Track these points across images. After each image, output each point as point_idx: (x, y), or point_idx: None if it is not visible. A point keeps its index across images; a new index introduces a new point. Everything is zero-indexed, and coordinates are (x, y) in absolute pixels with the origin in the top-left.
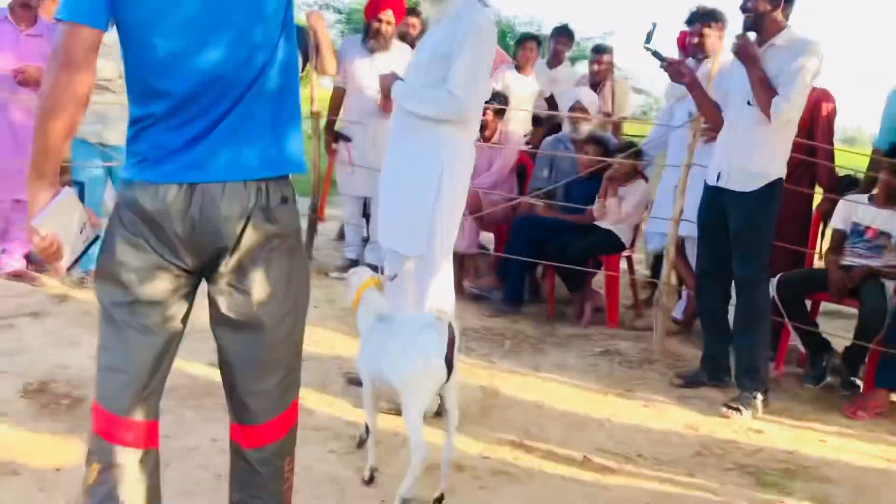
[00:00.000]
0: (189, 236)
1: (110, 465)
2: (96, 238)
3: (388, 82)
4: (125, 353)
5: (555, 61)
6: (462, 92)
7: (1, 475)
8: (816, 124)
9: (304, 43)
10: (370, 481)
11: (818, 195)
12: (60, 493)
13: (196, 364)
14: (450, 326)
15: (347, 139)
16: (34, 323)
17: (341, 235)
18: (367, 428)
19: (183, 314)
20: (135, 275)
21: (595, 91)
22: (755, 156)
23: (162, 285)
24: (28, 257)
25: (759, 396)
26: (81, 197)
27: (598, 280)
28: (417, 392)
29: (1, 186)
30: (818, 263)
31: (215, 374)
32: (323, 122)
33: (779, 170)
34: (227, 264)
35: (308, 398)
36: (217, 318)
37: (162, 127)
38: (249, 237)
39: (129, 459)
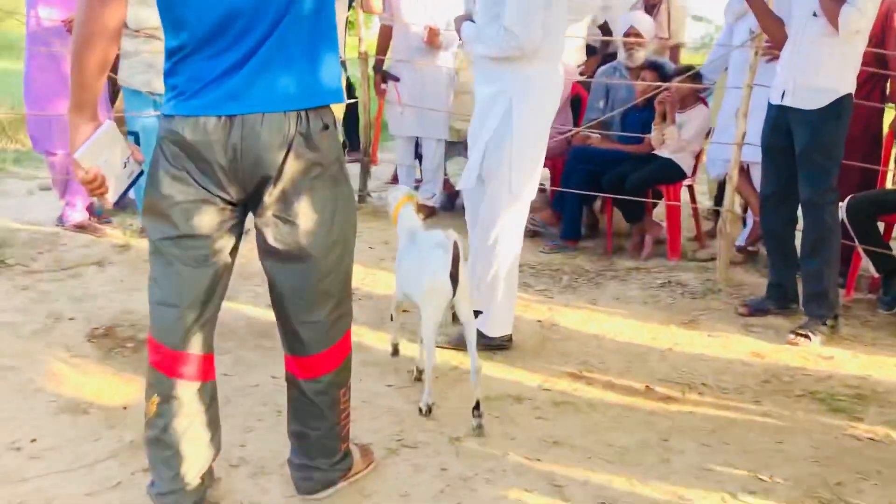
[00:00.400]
0: (232, 166)
1: (168, 398)
2: (141, 173)
3: (459, 25)
4: (176, 287)
5: None
6: (516, 26)
7: (72, 414)
8: (888, 35)
9: None
10: (428, 412)
11: (890, 110)
12: (128, 430)
13: (255, 307)
14: (455, 245)
15: (396, 79)
16: (99, 271)
17: (396, 179)
18: (395, 348)
19: (231, 247)
20: (180, 208)
21: (650, 15)
22: (822, 70)
23: (208, 218)
24: (90, 209)
25: (829, 322)
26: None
27: (659, 212)
28: (430, 306)
29: (60, 139)
30: (891, 184)
31: (274, 317)
32: (371, 62)
33: (848, 84)
34: (271, 194)
35: (365, 336)
36: (265, 249)
37: (196, 58)
38: (291, 166)
39: (185, 392)
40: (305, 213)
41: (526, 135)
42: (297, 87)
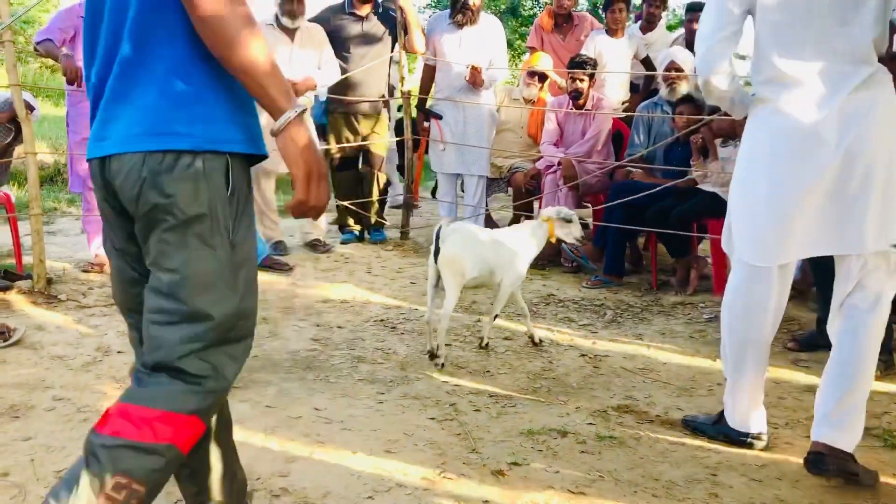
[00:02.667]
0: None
1: None
2: None
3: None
4: (120, 302)
5: (649, 25)
6: (697, 44)
7: None
8: None
9: (393, 22)
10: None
11: None
12: None
13: (298, 341)
14: (437, 235)
15: (438, 117)
16: None
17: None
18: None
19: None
20: (107, 225)
21: (691, 51)
22: None
23: (118, 233)
24: None
25: (882, 357)
26: None
27: (703, 247)
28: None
29: None
30: None
31: (317, 350)
32: (414, 101)
33: None
34: (137, 229)
35: (409, 368)
36: None
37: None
38: (142, 207)
39: None
40: (156, 267)
41: (741, 185)
42: (143, 126)
